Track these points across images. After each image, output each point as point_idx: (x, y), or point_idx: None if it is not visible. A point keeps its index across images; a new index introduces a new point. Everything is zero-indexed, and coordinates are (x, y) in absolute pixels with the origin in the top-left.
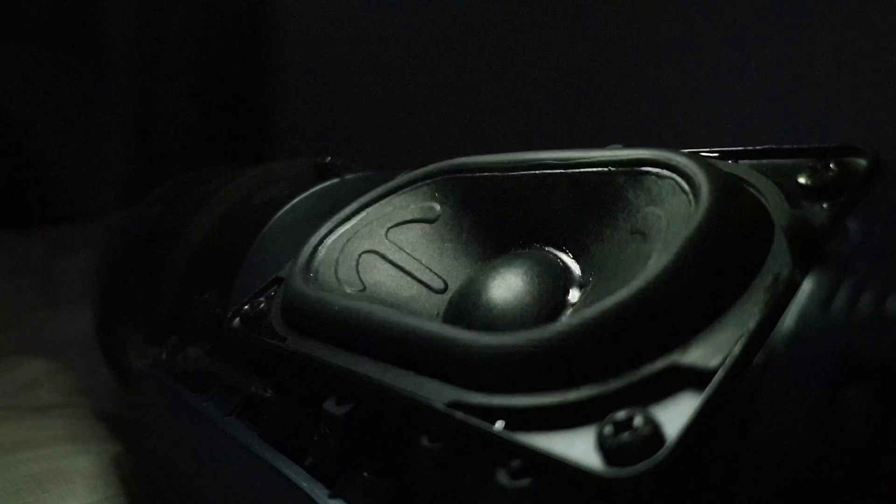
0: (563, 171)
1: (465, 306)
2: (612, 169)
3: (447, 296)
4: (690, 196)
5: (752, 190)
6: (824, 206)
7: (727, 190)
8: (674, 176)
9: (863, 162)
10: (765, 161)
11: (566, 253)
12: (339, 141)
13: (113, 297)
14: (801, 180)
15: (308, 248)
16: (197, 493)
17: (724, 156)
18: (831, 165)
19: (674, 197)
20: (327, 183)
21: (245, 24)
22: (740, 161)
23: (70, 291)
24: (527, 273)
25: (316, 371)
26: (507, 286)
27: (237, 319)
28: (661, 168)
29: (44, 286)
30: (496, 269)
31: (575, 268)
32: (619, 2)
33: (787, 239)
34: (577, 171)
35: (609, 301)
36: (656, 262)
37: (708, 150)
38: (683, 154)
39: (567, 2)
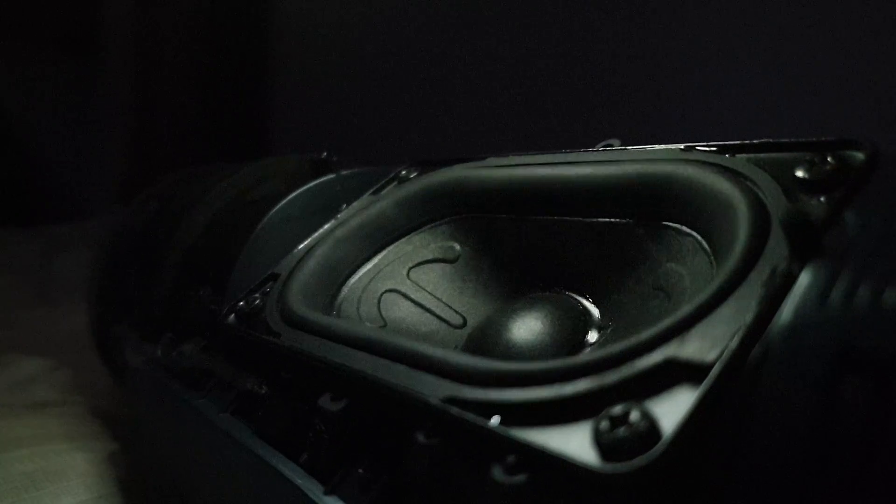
0: (581, 218)
1: (486, 342)
2: (631, 222)
3: (466, 332)
4: (712, 258)
5: (749, 184)
6: (822, 199)
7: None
8: (694, 234)
9: (860, 155)
10: (762, 155)
11: (587, 298)
12: (334, 137)
13: (108, 295)
14: (799, 174)
15: (297, 254)
16: (192, 489)
17: (721, 150)
18: (829, 159)
19: (695, 256)
20: (322, 179)
21: (241, 23)
22: (738, 155)
23: (67, 289)
24: (547, 314)
25: (311, 367)
26: (528, 326)
27: (232, 316)
28: (682, 225)
29: (40, 284)
30: (517, 309)
31: (595, 312)
32: None
33: (784, 232)
34: (596, 220)
35: (634, 339)
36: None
37: (706, 144)
38: (698, 172)
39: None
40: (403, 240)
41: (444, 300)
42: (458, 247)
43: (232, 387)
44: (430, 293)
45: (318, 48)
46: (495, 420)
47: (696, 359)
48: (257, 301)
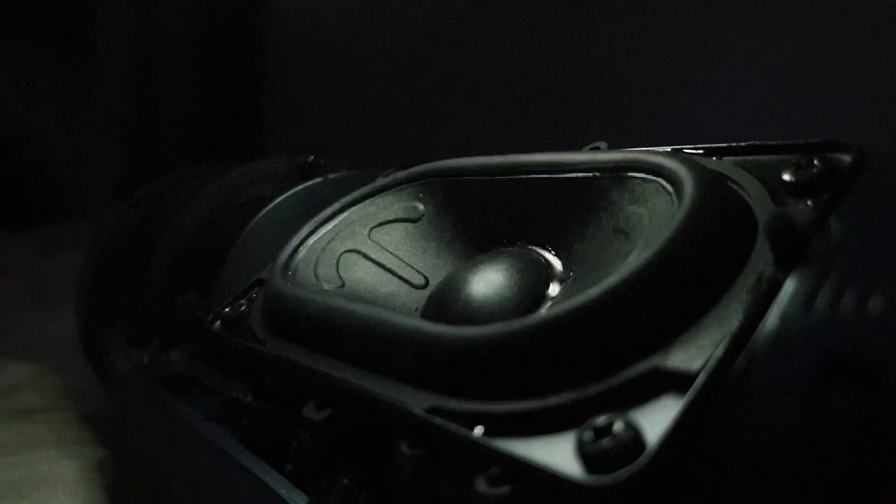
0: (548, 175)
1: (445, 301)
2: (598, 175)
3: (428, 291)
4: (673, 196)
5: (735, 187)
6: (808, 203)
7: (711, 190)
8: (658, 179)
9: (847, 158)
10: (749, 157)
11: (549, 251)
12: (324, 140)
13: (96, 299)
14: (786, 177)
15: (288, 249)
16: (178, 497)
17: (708, 152)
18: (815, 162)
19: (657, 198)
20: (310, 182)
21: (236, 26)
22: (724, 158)
23: (57, 292)
24: (507, 268)
25: (296, 375)
26: (487, 280)
27: (218, 322)
28: (646, 172)
29: (30, 287)
30: (477, 265)
31: (557, 264)
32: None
33: (769, 238)
34: (563, 175)
35: (585, 294)
36: (636, 259)
37: (692, 146)
38: (667, 156)
39: (552, 1)
40: (366, 202)
41: (405, 260)
42: (421, 206)
43: (218, 394)
44: (391, 253)
45: (311, 52)
46: (479, 430)
47: (681, 368)
48: (243, 307)
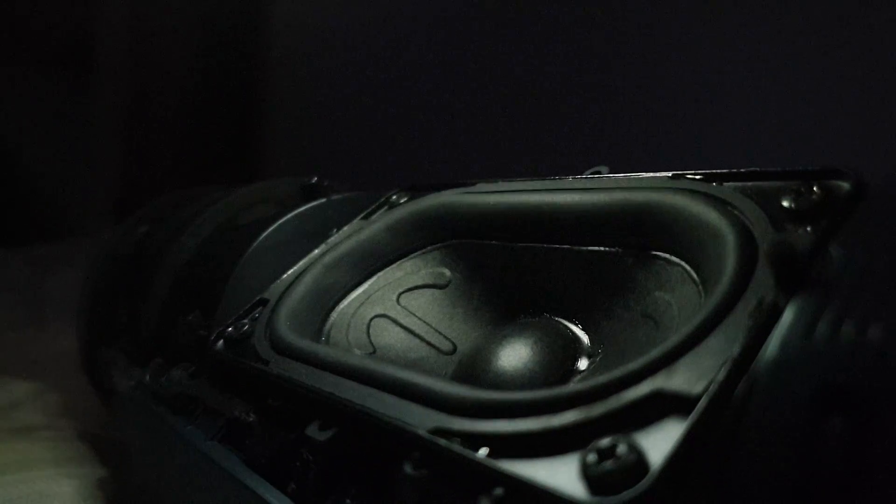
0: (571, 247)
1: (475, 370)
2: (620, 251)
3: (456, 358)
4: (700, 287)
5: (736, 213)
6: (808, 229)
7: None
8: (682, 264)
9: (845, 185)
10: (749, 183)
11: (576, 324)
12: (325, 161)
13: (97, 318)
14: (785, 203)
15: (286, 280)
16: None
17: (709, 178)
18: (815, 188)
19: (682, 286)
20: (313, 203)
21: (235, 46)
22: (725, 183)
23: (56, 311)
24: (537, 341)
25: (299, 395)
26: (517, 353)
27: (221, 342)
28: (671, 255)
29: (29, 305)
30: (507, 335)
31: (584, 338)
32: (606, 20)
33: (770, 263)
34: (586, 248)
35: (624, 369)
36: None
37: (693, 172)
38: (686, 201)
39: (554, 21)
40: (394, 265)
41: (433, 326)
42: (448, 272)
43: (220, 414)
44: (419, 318)
45: (310, 73)
46: (483, 452)
47: (684, 391)
48: (246, 327)
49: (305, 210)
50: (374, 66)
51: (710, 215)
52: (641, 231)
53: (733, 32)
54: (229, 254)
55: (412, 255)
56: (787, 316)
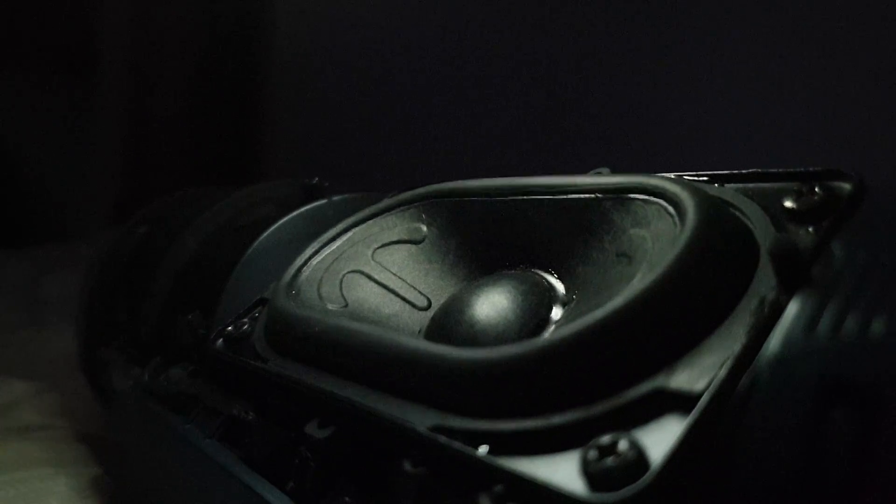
0: (550, 196)
1: (447, 323)
2: (599, 196)
3: (430, 313)
4: (676, 219)
5: (737, 213)
6: (809, 229)
7: (713, 213)
8: (660, 201)
9: (847, 186)
10: (750, 185)
11: (551, 274)
12: (327, 163)
13: (97, 318)
14: (787, 204)
15: (293, 269)
16: None
17: (710, 179)
18: (816, 189)
19: (659, 220)
20: (314, 204)
21: (236, 47)
22: (726, 185)
23: (55, 311)
24: (510, 291)
25: (298, 394)
26: (490, 303)
27: (220, 340)
28: (648, 194)
29: (28, 306)
30: (479, 287)
31: (560, 287)
32: (606, 21)
33: (772, 262)
34: (564, 196)
35: (590, 317)
36: (639, 282)
37: (694, 173)
38: (669, 179)
39: (555, 21)
40: (370, 222)
41: (408, 281)
42: (424, 228)
43: (219, 412)
44: (394, 274)
45: (310, 74)
46: (483, 449)
47: (685, 388)
48: (245, 326)
49: (306, 211)
50: (375, 67)
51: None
52: (622, 185)
53: (734, 33)
54: (229, 254)
55: (388, 213)
56: (790, 312)
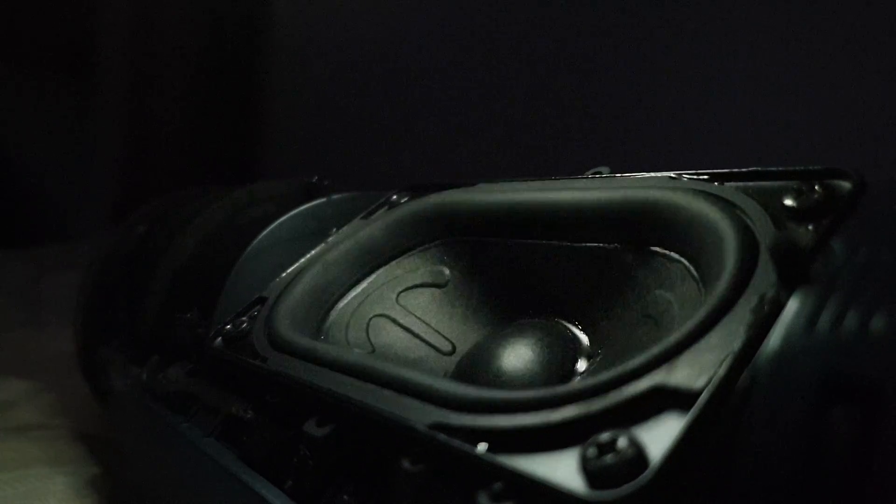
0: (570, 244)
1: (474, 370)
2: (619, 247)
3: (455, 358)
4: (700, 285)
5: (738, 212)
6: (809, 227)
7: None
8: (682, 261)
9: (847, 184)
10: (750, 183)
11: (575, 325)
12: (326, 161)
13: (95, 317)
14: (787, 202)
15: (287, 279)
16: None
17: (710, 178)
18: (816, 187)
19: (683, 284)
20: (313, 203)
21: (235, 47)
22: (727, 183)
23: (54, 311)
24: (536, 341)
25: (297, 392)
26: (517, 354)
27: (219, 339)
28: (669, 249)
29: (27, 306)
30: (506, 336)
31: (584, 339)
32: (607, 21)
33: (772, 259)
34: (585, 245)
35: (621, 368)
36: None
37: (695, 172)
38: (685, 198)
39: (555, 22)
40: (393, 263)
41: (433, 325)
42: (447, 271)
43: (217, 411)
44: (418, 318)
45: (310, 73)
46: (482, 447)
47: (684, 386)
48: (244, 325)
49: (305, 209)
50: (375, 67)
51: (710, 212)
52: (641, 227)
53: (734, 32)
54: (228, 253)
55: (411, 253)
56: (789, 309)
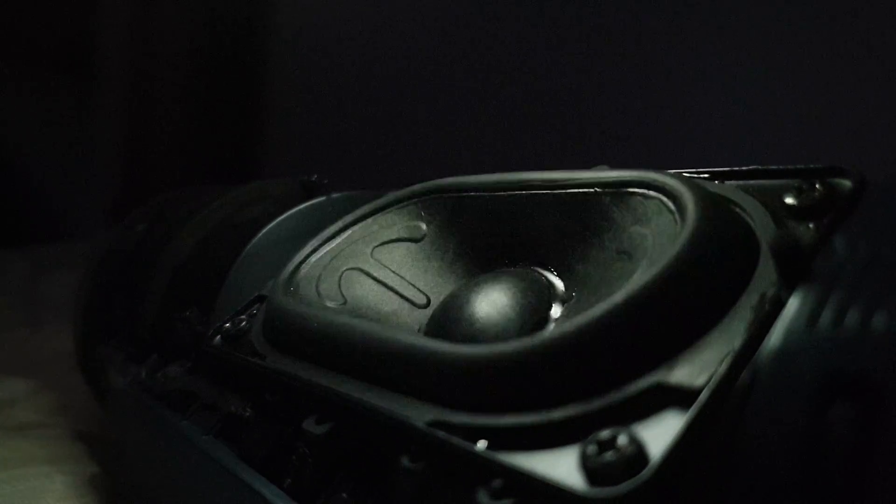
0: (549, 191)
1: (447, 321)
2: (598, 190)
3: (429, 311)
4: (676, 215)
5: (738, 209)
6: (810, 225)
7: (713, 209)
8: (660, 196)
9: (848, 182)
10: (751, 182)
11: (551, 271)
12: (326, 161)
13: (94, 316)
14: (788, 200)
15: (291, 265)
16: None
17: (710, 176)
18: (817, 186)
19: (660, 216)
20: (312, 201)
21: (234, 46)
22: (727, 182)
23: (52, 310)
24: (510, 289)
25: (296, 389)
26: (490, 301)
27: (218, 337)
28: (648, 189)
29: (26, 305)
30: (479, 285)
31: (559, 285)
32: (606, 19)
33: (773, 257)
34: (564, 191)
35: (589, 314)
36: (639, 278)
37: (694, 170)
38: (669, 175)
39: (554, 21)
40: (369, 220)
41: (407, 279)
42: (424, 226)
43: (216, 409)
44: (393, 272)
45: (310, 73)
46: (482, 444)
47: (685, 384)
48: (243, 323)
49: (305, 208)
50: (375, 66)
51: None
52: (621, 179)
53: (734, 30)
54: (227, 251)
55: (388, 210)
56: (791, 306)
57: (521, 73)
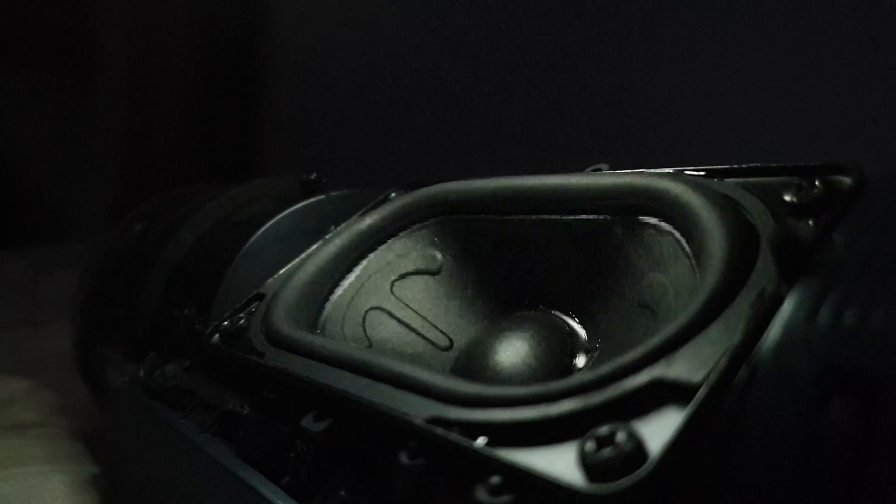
0: (558, 216)
1: (472, 367)
2: (609, 217)
3: (452, 354)
4: (692, 260)
5: (738, 207)
6: (809, 222)
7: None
8: (673, 232)
9: (847, 180)
10: (751, 179)
11: (572, 318)
12: (324, 159)
13: (93, 315)
14: (787, 198)
15: (286, 273)
16: None
17: (710, 174)
18: (816, 183)
19: (676, 263)
20: (311, 200)
21: (233, 46)
22: (727, 179)
23: (51, 311)
24: (534, 337)
25: (294, 387)
26: (515, 350)
27: (216, 335)
28: (657, 217)
29: (25, 305)
30: (503, 331)
31: (582, 334)
32: (606, 19)
33: (772, 253)
34: (573, 217)
35: (618, 362)
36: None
37: (695, 168)
38: (672, 180)
39: (554, 20)
40: (384, 246)
41: (429, 319)
42: (439, 255)
43: (214, 407)
44: (414, 311)
45: (310, 73)
46: (481, 441)
47: (684, 379)
48: (242, 321)
49: (303, 206)
50: (373, 65)
51: (694, 197)
52: (630, 203)
53: (733, 28)
54: (226, 249)
55: (401, 235)
56: (789, 302)
57: (521, 72)
